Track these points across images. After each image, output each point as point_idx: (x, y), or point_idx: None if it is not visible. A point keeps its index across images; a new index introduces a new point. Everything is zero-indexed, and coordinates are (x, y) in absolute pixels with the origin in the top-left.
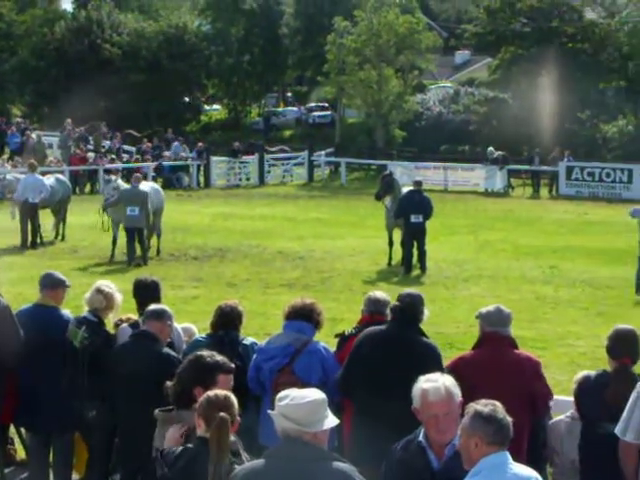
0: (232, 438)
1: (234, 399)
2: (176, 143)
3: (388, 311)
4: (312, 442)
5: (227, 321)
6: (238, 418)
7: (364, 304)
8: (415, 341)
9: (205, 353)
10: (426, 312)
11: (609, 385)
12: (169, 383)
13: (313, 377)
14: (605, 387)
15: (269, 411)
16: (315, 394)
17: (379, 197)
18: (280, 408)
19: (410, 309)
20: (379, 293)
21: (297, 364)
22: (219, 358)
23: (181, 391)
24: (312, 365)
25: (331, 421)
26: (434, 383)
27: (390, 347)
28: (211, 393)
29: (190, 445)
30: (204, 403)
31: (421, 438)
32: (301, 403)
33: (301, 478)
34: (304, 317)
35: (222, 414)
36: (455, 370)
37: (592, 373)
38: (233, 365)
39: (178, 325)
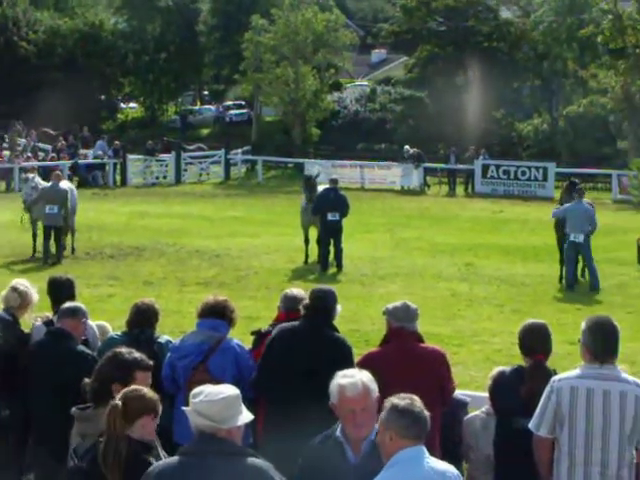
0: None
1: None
2: (100, 141)
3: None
4: (226, 438)
5: (143, 319)
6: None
7: (280, 301)
8: (326, 336)
9: (124, 350)
10: (338, 308)
11: (524, 381)
12: (87, 380)
13: (227, 374)
14: (520, 382)
15: (183, 408)
16: (229, 390)
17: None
18: (194, 405)
19: (322, 305)
20: (295, 290)
21: (211, 362)
22: (137, 355)
23: (98, 388)
24: (226, 362)
25: (245, 417)
26: (351, 379)
27: (302, 343)
28: (129, 389)
29: (102, 439)
30: (122, 396)
31: (338, 433)
32: (215, 399)
33: (216, 474)
34: (217, 315)
35: (114, 402)
36: (365, 366)
37: (507, 369)
38: (151, 362)
39: (93, 323)
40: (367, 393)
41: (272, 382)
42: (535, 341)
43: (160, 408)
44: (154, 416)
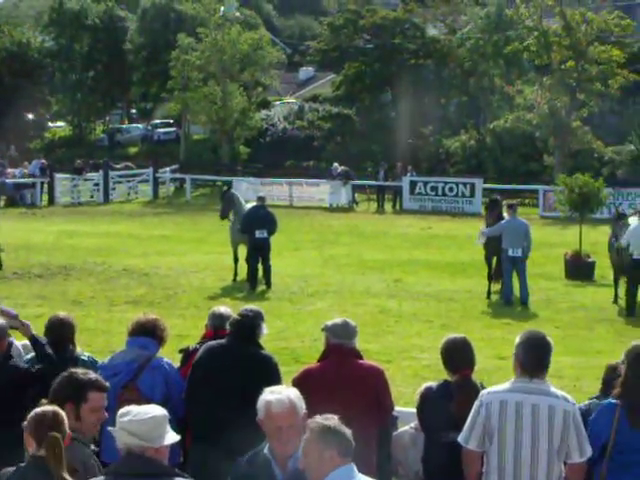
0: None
1: (63, 415)
2: (35, 161)
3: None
4: (154, 458)
5: (61, 335)
6: (69, 432)
7: (208, 319)
8: (252, 354)
9: (80, 370)
10: (264, 327)
11: (453, 397)
12: (44, 400)
13: (157, 393)
14: (447, 398)
15: (109, 428)
16: (156, 410)
17: (224, 215)
18: (123, 424)
19: (248, 323)
20: (223, 308)
21: (141, 380)
22: (92, 375)
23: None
24: (155, 381)
25: (172, 437)
26: (278, 395)
27: (227, 360)
28: (38, 410)
29: (22, 464)
30: (31, 421)
31: (266, 451)
32: (145, 418)
33: None
34: (147, 333)
35: (52, 433)
36: (302, 382)
37: (434, 384)
38: (107, 384)
39: (19, 343)
40: (294, 410)
41: (199, 400)
42: (459, 356)
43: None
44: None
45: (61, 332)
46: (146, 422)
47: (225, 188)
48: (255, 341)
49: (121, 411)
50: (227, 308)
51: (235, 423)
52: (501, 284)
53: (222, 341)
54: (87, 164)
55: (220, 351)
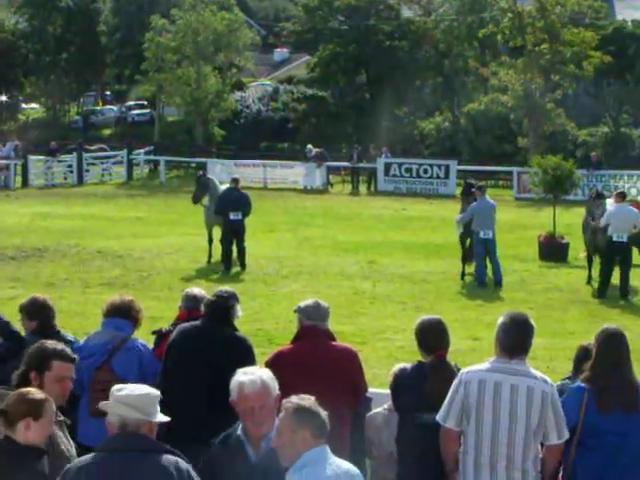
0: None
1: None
2: (9, 143)
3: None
4: (147, 435)
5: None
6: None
7: (182, 300)
8: (226, 335)
9: (49, 341)
10: (238, 308)
11: (427, 378)
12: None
13: (131, 374)
14: (422, 379)
15: (103, 403)
16: (150, 389)
17: (196, 200)
18: (120, 397)
19: (222, 305)
20: (196, 289)
21: (115, 361)
22: (59, 346)
23: (20, 374)
24: (130, 362)
25: (163, 417)
26: (251, 376)
27: (202, 342)
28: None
29: None
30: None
31: (239, 432)
32: (142, 393)
33: (136, 469)
34: (122, 314)
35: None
36: (275, 364)
37: (408, 365)
38: (75, 356)
39: None
40: (266, 391)
41: (174, 382)
42: (434, 338)
43: (48, 410)
44: (37, 418)
45: (47, 313)
46: (143, 397)
47: (200, 173)
48: (229, 322)
49: (116, 386)
50: (201, 290)
51: (210, 405)
52: (475, 266)
53: (196, 323)
54: (62, 146)
55: (194, 333)
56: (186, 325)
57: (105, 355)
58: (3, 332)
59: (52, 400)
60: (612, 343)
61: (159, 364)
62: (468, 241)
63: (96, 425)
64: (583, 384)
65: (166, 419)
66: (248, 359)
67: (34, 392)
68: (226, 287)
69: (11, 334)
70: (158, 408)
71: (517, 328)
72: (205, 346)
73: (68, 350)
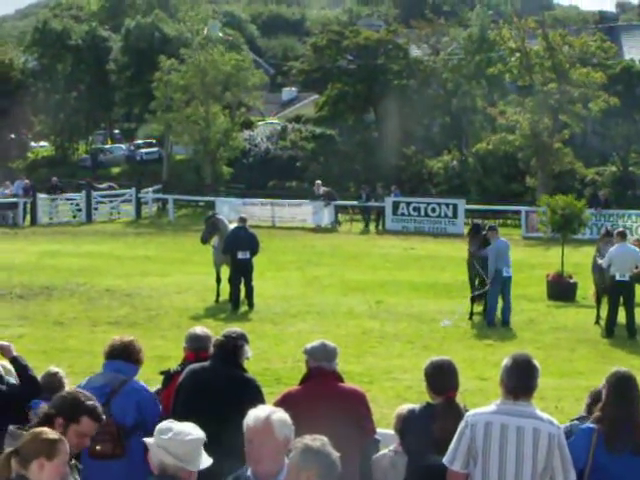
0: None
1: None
2: (19, 181)
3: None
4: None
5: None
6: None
7: (185, 341)
8: (235, 377)
9: (83, 393)
10: (247, 348)
11: (436, 419)
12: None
13: (128, 418)
14: (430, 420)
15: (146, 440)
16: (197, 431)
17: (205, 240)
18: (163, 441)
19: (231, 346)
20: (199, 329)
21: (113, 404)
22: (92, 403)
23: (46, 415)
24: (128, 405)
25: (206, 460)
26: (259, 412)
27: (211, 383)
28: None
29: None
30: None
31: (249, 473)
32: (185, 440)
33: None
34: (123, 357)
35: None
36: (282, 405)
37: (416, 407)
38: (103, 417)
39: None
40: (268, 427)
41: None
42: (443, 379)
43: (62, 451)
44: (50, 459)
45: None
46: (187, 443)
47: (211, 213)
48: (238, 363)
49: (160, 427)
50: (204, 329)
51: (220, 447)
52: (484, 305)
53: (205, 364)
54: (65, 183)
55: (203, 374)
56: (195, 366)
57: (103, 398)
58: (22, 376)
59: (66, 441)
60: (623, 386)
61: (159, 407)
62: (477, 280)
63: (95, 467)
64: (593, 425)
65: (209, 462)
66: (257, 400)
67: (49, 432)
68: (235, 327)
69: (29, 379)
70: (202, 452)
71: (520, 370)
72: (214, 388)
73: (100, 409)
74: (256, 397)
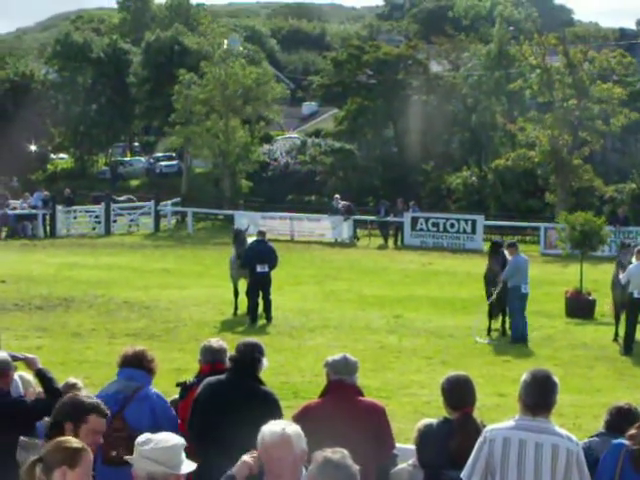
0: None
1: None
2: (37, 192)
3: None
4: None
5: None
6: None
7: (200, 354)
8: (253, 390)
9: (83, 394)
10: (265, 361)
11: (453, 434)
12: (47, 419)
13: (143, 424)
14: (448, 435)
15: (127, 458)
16: (175, 438)
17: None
18: (145, 452)
19: (248, 358)
20: (214, 341)
21: (128, 411)
22: (95, 400)
23: (53, 423)
24: (142, 412)
25: (189, 465)
26: (273, 426)
27: (229, 396)
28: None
29: None
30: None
31: None
32: (167, 446)
33: None
34: (135, 364)
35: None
36: (302, 418)
37: (434, 421)
38: (108, 412)
39: (16, 374)
40: (286, 443)
41: (202, 435)
42: (461, 394)
43: (85, 460)
44: (73, 467)
45: None
46: (169, 449)
47: (238, 227)
48: (255, 376)
49: (140, 440)
50: (219, 341)
51: (236, 459)
52: (513, 321)
53: (222, 377)
54: (83, 196)
55: (220, 387)
56: (212, 379)
57: (117, 405)
58: (47, 388)
59: (90, 451)
60: None
61: (173, 413)
62: (495, 297)
63: (110, 474)
64: (624, 441)
65: (193, 468)
66: (275, 413)
67: (72, 441)
68: (251, 339)
69: (54, 391)
70: (184, 457)
71: (539, 386)
72: (231, 401)
73: (102, 404)
74: (274, 410)
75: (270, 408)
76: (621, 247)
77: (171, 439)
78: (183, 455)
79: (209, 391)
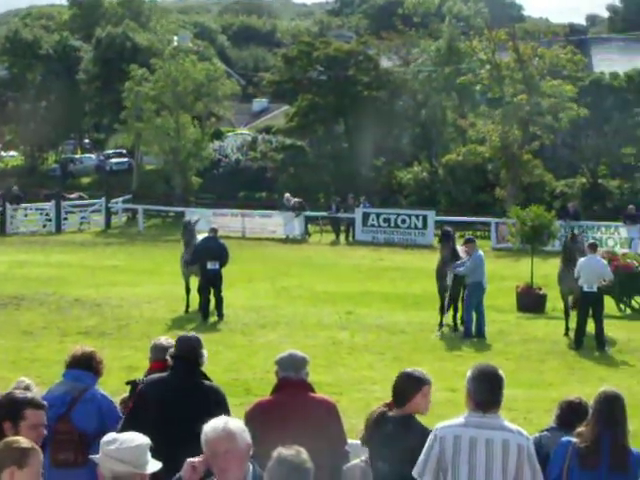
0: None
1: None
2: None
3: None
4: None
5: None
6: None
7: (150, 351)
8: (196, 386)
9: (18, 390)
10: (205, 353)
11: (396, 432)
12: None
13: (90, 425)
14: (394, 432)
15: (92, 457)
16: (140, 438)
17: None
18: (110, 452)
19: (188, 354)
20: (164, 339)
21: (74, 412)
22: (29, 394)
23: None
24: (89, 413)
25: (155, 464)
26: (215, 422)
27: (172, 394)
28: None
29: None
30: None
31: None
32: (132, 446)
33: None
34: (83, 366)
35: None
36: (254, 415)
37: (381, 418)
38: (45, 403)
39: None
40: (230, 436)
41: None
42: (405, 390)
43: (34, 460)
44: (21, 467)
45: None
46: (134, 449)
47: (190, 219)
48: (198, 370)
49: (105, 439)
50: (169, 339)
51: (179, 457)
52: (465, 316)
53: (164, 374)
54: (33, 193)
55: (163, 385)
56: (154, 377)
57: (64, 406)
58: None
59: (39, 451)
60: (610, 405)
61: (119, 413)
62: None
63: (58, 476)
64: (572, 439)
65: (158, 467)
66: (221, 408)
67: (21, 441)
68: (188, 333)
69: None
70: (149, 456)
71: (489, 382)
72: (174, 398)
73: (38, 397)
74: (219, 405)
75: (216, 404)
76: (571, 239)
77: (136, 439)
78: (149, 455)
79: (151, 388)
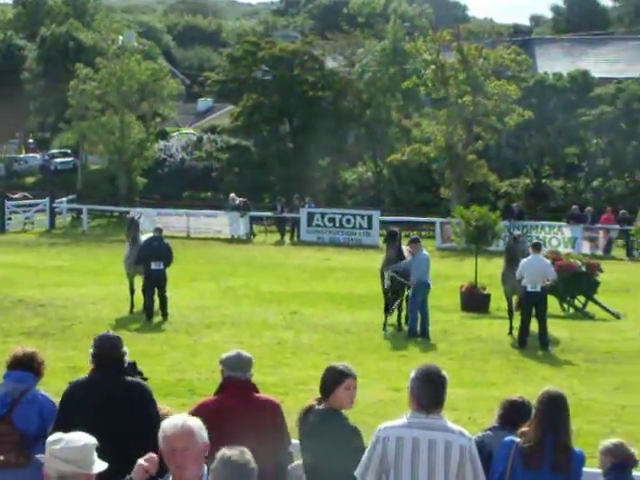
0: None
1: None
2: None
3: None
4: None
5: None
6: None
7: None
8: (121, 384)
9: None
10: (126, 351)
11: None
12: None
13: (31, 426)
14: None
15: (38, 456)
16: (86, 438)
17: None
18: (55, 452)
19: (110, 353)
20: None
21: (15, 414)
22: None
23: None
24: (30, 414)
25: (101, 465)
26: (174, 419)
27: (97, 395)
28: None
29: None
30: None
31: None
32: (78, 446)
33: None
34: (24, 366)
35: None
36: (197, 416)
37: (309, 413)
38: None
39: None
40: (188, 433)
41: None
42: (328, 384)
43: None
44: None
45: None
46: (79, 449)
47: (133, 215)
48: (121, 368)
49: (51, 439)
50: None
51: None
52: (410, 314)
53: (88, 376)
54: None
55: (87, 385)
56: (79, 379)
57: (5, 408)
58: None
59: None
60: (553, 405)
61: None
62: (390, 292)
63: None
64: (515, 439)
65: (104, 467)
66: (149, 404)
67: None
68: (107, 332)
69: None
70: (95, 456)
71: (433, 383)
72: (100, 399)
73: None
74: (147, 401)
75: (143, 400)
76: (513, 239)
77: (82, 438)
78: (95, 455)
79: (75, 391)
